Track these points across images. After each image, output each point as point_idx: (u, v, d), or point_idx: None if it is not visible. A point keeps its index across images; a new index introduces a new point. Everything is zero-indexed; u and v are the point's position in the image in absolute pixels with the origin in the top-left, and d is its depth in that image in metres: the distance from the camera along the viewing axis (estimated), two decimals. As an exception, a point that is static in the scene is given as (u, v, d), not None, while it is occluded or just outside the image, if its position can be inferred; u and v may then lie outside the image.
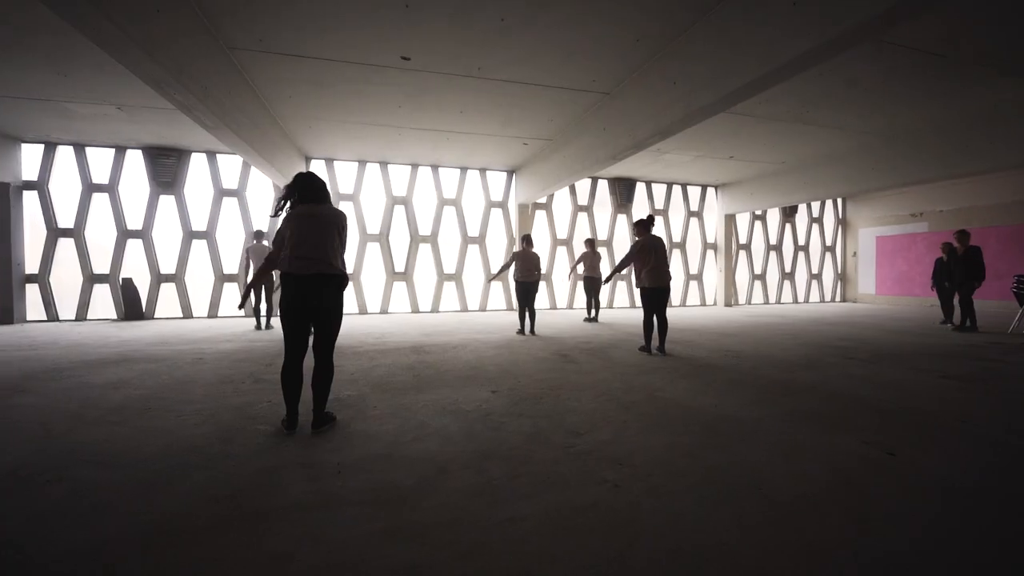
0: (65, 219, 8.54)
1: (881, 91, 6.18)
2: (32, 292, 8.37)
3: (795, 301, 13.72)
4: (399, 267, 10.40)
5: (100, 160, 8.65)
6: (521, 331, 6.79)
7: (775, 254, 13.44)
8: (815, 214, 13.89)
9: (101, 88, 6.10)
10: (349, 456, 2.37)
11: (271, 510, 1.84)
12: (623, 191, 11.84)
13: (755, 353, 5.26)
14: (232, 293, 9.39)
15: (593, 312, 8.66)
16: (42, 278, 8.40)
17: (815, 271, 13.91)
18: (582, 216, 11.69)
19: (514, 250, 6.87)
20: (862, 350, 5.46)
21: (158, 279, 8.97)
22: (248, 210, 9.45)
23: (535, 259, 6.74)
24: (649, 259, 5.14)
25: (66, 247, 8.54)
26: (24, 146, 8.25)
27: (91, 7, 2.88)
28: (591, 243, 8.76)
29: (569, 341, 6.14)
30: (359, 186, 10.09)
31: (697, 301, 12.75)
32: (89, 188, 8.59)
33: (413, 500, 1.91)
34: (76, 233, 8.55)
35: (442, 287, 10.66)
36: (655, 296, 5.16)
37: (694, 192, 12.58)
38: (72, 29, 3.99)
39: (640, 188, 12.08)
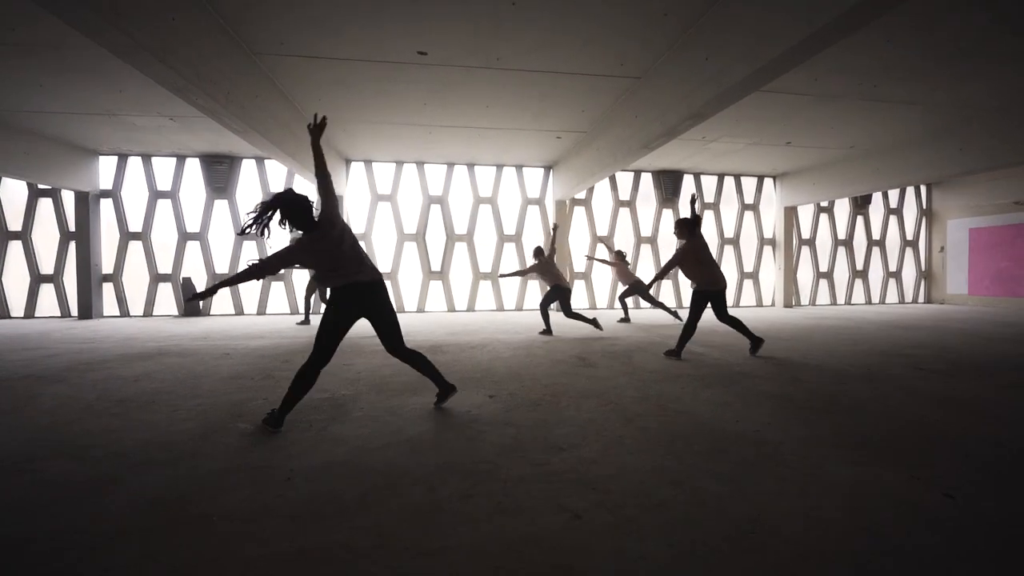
0: (135, 224, 9.34)
1: (972, 56, 5.22)
2: (108, 291, 9.24)
3: (868, 302, 12.26)
4: (435, 266, 10.42)
5: (164, 169, 9.38)
6: (547, 331, 6.52)
7: (844, 250, 12.08)
8: (893, 204, 12.33)
9: (153, 101, 6.52)
10: (308, 461, 2.24)
11: (200, 518, 1.73)
12: (668, 184, 11.13)
13: (802, 361, 4.62)
14: (279, 292, 9.85)
15: (667, 309, 8.18)
16: (116, 278, 9.25)
17: (893, 268, 12.35)
18: (624, 212, 11.14)
19: (535, 263, 6.82)
20: (938, 360, 4.64)
21: (213, 278, 9.58)
22: (293, 212, 9.84)
23: (555, 267, 6.73)
24: (699, 264, 4.71)
25: (136, 249, 9.34)
26: (101, 158, 9.11)
27: (93, 13, 2.98)
28: (620, 255, 8.49)
29: (596, 343, 5.76)
30: (396, 186, 10.22)
31: (752, 301, 11.74)
32: (155, 195, 9.34)
33: (345, 518, 1.72)
34: (144, 236, 9.33)
35: (478, 286, 10.56)
36: (715, 299, 4.71)
37: (749, 183, 11.59)
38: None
39: (688, 180, 11.30)
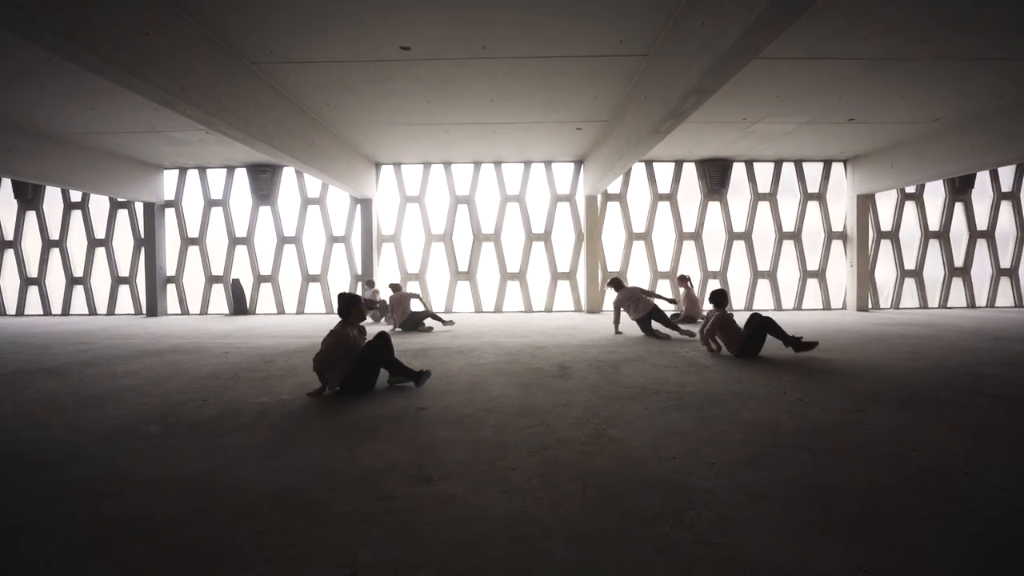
0: (193, 230, 10.24)
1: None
2: (172, 291, 10.22)
3: (971, 305, 10.20)
4: (462, 267, 10.30)
5: (216, 179, 10.18)
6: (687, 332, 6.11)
7: (938, 243, 10.16)
8: (1005, 187, 10.14)
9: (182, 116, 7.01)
10: (165, 472, 2.11)
11: (10, 529, 1.65)
12: (715, 174, 10.07)
13: (830, 377, 3.79)
14: (315, 293, 10.28)
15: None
16: (178, 279, 10.20)
17: (1005, 264, 10.16)
18: (664, 206, 10.25)
19: (614, 299, 6.56)
20: (1021, 383, 3.57)
21: (258, 279, 10.24)
22: (328, 216, 10.25)
23: (636, 291, 6.43)
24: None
25: (194, 253, 10.23)
26: (165, 172, 10.09)
27: (58, 36, 3.13)
28: (684, 280, 8.16)
29: (593, 350, 5.23)
30: (424, 187, 10.24)
31: (818, 304, 10.26)
32: (209, 203, 10.17)
33: (127, 546, 1.53)
34: (200, 241, 10.20)
35: (505, 286, 10.28)
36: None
37: (812, 169, 10.14)
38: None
39: (738, 169, 10.15)
